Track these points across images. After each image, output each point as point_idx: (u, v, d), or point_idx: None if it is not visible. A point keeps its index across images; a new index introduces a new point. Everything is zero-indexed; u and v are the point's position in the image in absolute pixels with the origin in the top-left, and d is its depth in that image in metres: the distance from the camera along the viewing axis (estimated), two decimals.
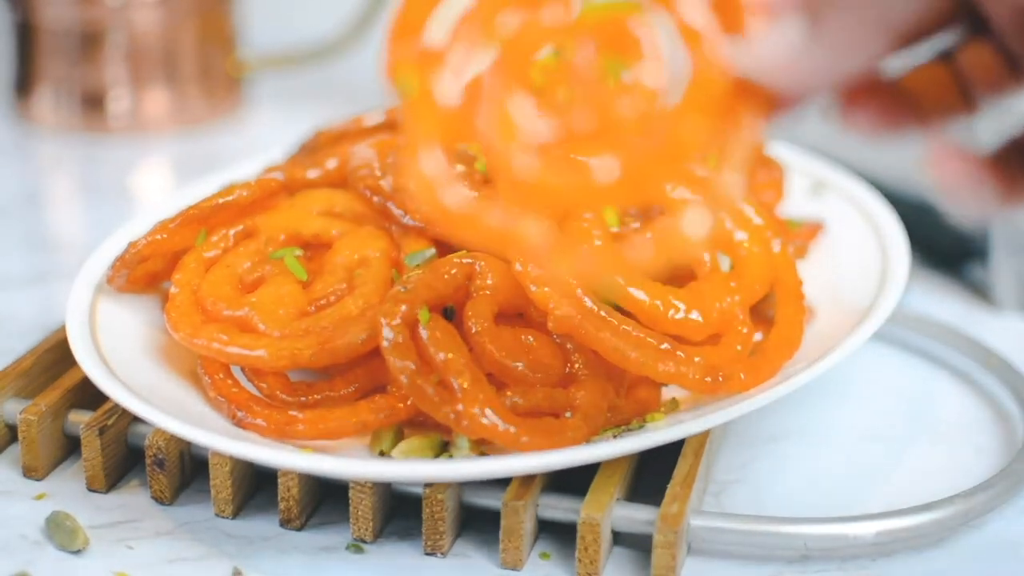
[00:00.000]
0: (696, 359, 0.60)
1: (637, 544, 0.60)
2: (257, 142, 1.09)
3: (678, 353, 0.60)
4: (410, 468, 0.58)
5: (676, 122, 0.43)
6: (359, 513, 0.60)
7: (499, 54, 0.43)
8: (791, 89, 0.44)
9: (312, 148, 0.77)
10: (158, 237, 0.67)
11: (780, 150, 0.82)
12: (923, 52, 0.46)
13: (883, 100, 0.46)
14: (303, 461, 0.57)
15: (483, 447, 0.61)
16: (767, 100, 0.44)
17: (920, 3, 0.42)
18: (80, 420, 0.65)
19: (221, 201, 0.68)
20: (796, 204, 0.79)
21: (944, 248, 0.85)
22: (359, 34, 1.14)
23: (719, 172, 0.44)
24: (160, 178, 1.07)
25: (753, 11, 0.44)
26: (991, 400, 0.71)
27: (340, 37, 1.15)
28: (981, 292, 0.83)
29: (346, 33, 1.15)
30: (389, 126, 0.77)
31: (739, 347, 0.62)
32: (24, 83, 1.12)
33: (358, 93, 1.13)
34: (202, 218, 0.68)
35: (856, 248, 0.74)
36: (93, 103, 1.09)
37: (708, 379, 0.60)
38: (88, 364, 0.63)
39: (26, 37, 1.10)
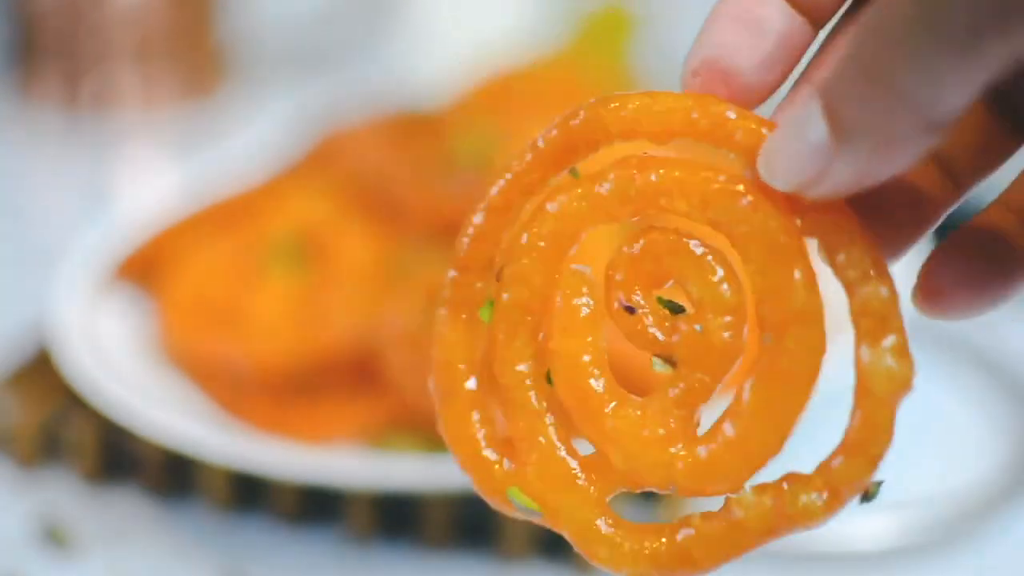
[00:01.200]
0: None
1: None
2: (240, 122, 1.08)
3: None
4: (408, 467, 0.58)
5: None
6: (357, 512, 0.60)
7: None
8: (841, 194, 0.32)
9: (323, 154, 0.76)
10: (160, 237, 0.67)
11: None
12: None
13: (975, 255, 0.33)
14: (301, 460, 0.57)
15: None
16: (843, 220, 0.33)
17: (969, 92, 0.29)
18: (75, 417, 0.65)
19: (223, 202, 0.68)
20: None
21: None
22: None
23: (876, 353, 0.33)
24: (141, 158, 1.06)
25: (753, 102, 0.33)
26: (995, 400, 0.71)
27: None
28: None
29: None
30: (404, 129, 0.76)
31: None
32: (18, 63, 1.11)
33: (337, 73, 1.13)
34: (204, 219, 0.68)
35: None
36: (74, 82, 1.09)
37: None
38: (79, 365, 0.62)
39: (18, 20, 1.10)
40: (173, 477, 0.63)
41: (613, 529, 0.34)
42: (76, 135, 1.07)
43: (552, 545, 0.60)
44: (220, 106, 1.11)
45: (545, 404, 0.34)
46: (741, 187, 0.33)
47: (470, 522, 0.61)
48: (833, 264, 0.32)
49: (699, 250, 0.33)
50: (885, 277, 0.32)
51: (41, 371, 0.68)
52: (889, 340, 0.32)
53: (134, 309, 0.69)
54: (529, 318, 0.34)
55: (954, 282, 0.34)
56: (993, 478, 0.63)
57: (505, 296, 0.34)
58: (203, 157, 0.79)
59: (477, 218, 0.34)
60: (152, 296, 0.70)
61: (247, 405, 0.62)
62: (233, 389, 0.63)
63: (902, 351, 0.32)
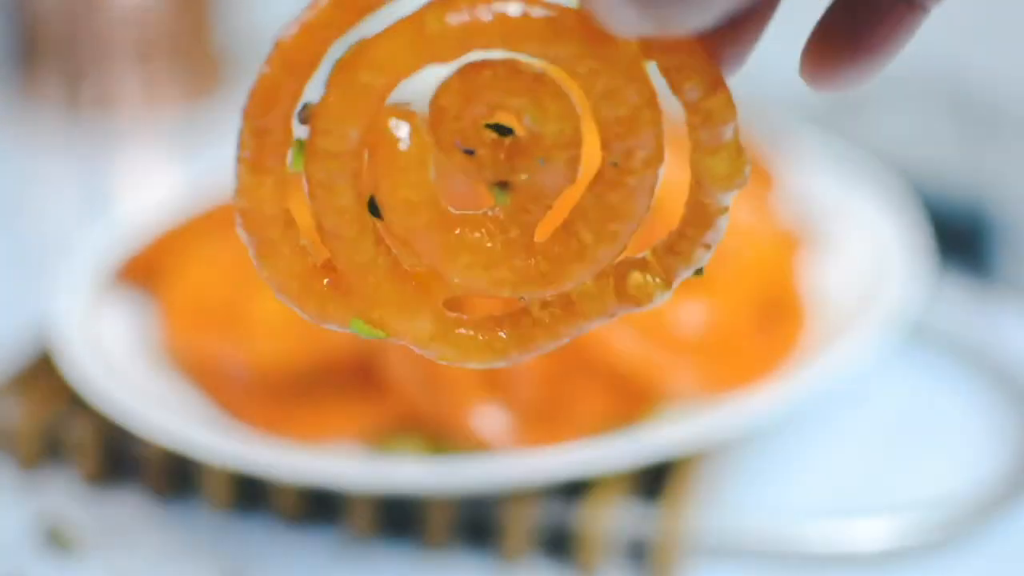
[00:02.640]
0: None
1: (637, 544, 0.60)
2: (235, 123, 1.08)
3: None
4: (409, 468, 0.58)
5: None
6: (358, 512, 0.60)
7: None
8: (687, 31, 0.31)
9: None
10: (161, 239, 0.67)
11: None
12: None
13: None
14: (301, 462, 0.57)
15: None
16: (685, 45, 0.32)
17: None
18: (76, 419, 0.65)
19: (224, 205, 0.68)
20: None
21: (947, 234, 0.83)
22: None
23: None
24: (141, 159, 1.06)
25: None
26: (995, 401, 0.71)
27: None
28: (983, 286, 0.82)
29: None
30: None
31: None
32: (18, 64, 1.11)
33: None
34: (205, 221, 0.68)
35: (865, 244, 0.73)
36: (74, 83, 1.08)
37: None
38: (81, 367, 0.62)
39: (18, 21, 1.10)
40: (174, 478, 0.63)
41: (456, 329, 0.34)
42: (76, 136, 1.07)
43: (554, 545, 0.60)
44: (221, 108, 1.11)
45: (371, 236, 0.33)
46: (571, 19, 0.31)
47: (470, 522, 0.61)
48: (671, 83, 0.32)
49: (538, 77, 0.32)
50: (722, 89, 0.32)
51: (42, 372, 0.68)
52: (725, 136, 0.32)
53: (135, 311, 0.69)
54: (346, 163, 0.32)
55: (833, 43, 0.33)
56: (993, 479, 0.63)
57: (320, 144, 0.32)
58: (204, 159, 0.79)
59: (266, 68, 0.33)
60: (153, 298, 0.70)
61: (248, 407, 0.62)
62: (234, 391, 0.63)
63: (736, 150, 0.33)
